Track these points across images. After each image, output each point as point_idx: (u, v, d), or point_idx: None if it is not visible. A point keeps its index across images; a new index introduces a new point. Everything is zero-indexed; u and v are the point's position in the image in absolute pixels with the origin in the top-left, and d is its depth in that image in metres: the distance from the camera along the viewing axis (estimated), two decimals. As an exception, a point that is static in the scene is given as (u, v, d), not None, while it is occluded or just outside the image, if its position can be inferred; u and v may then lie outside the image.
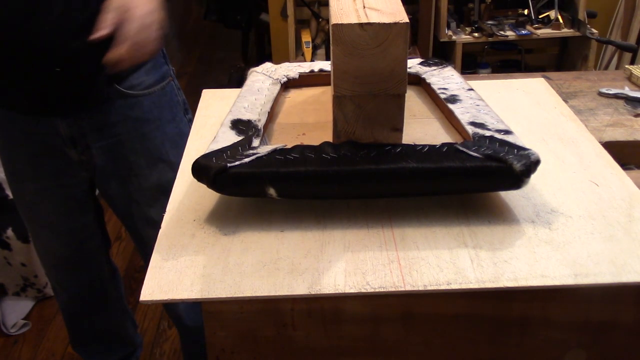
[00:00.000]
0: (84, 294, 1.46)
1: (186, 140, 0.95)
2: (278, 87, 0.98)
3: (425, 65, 1.04)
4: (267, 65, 1.04)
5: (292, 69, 1.04)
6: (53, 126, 1.16)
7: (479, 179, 0.72)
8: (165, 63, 1.24)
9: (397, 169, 0.71)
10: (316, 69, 1.04)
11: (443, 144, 0.74)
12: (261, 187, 0.72)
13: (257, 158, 0.73)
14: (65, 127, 1.16)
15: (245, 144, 0.77)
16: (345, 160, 0.72)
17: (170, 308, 1.48)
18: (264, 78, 0.99)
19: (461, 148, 0.73)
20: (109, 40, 1.08)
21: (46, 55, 1.04)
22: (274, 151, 0.74)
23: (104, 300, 1.50)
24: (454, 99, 0.90)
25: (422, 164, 0.71)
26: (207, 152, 0.75)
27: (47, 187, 1.25)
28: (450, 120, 0.90)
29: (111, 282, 1.50)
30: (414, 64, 1.04)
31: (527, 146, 0.74)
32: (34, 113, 1.15)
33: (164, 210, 0.79)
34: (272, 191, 0.72)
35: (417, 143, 0.75)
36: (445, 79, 0.98)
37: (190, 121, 1.22)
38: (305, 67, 1.05)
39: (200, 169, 0.73)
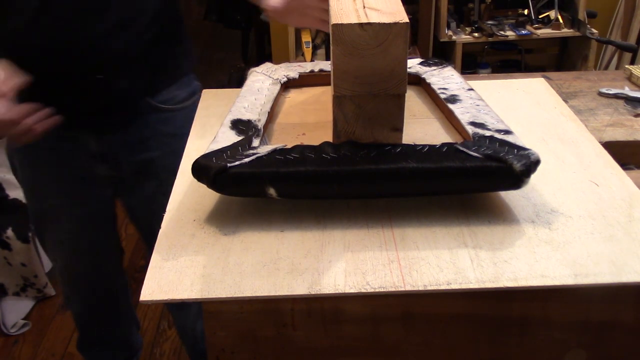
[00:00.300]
0: (96, 305, 1.46)
1: None
2: (278, 87, 0.98)
3: (425, 65, 1.04)
4: (267, 65, 1.04)
5: (292, 69, 1.04)
6: (82, 141, 1.15)
7: (479, 179, 0.72)
8: (195, 79, 1.24)
9: (397, 169, 0.71)
10: (316, 69, 1.04)
11: (443, 144, 0.74)
12: (261, 187, 0.72)
13: (257, 158, 0.73)
14: (96, 143, 1.15)
15: (245, 144, 0.77)
16: (345, 160, 0.72)
17: (185, 332, 1.48)
18: (264, 78, 0.99)
19: (461, 148, 0.73)
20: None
21: (92, 60, 1.03)
22: (274, 151, 0.74)
23: (116, 311, 1.51)
24: (454, 99, 0.90)
25: (422, 164, 0.71)
26: (207, 152, 0.75)
27: (70, 203, 1.24)
28: (450, 120, 0.90)
29: (123, 293, 1.50)
30: (414, 64, 1.04)
31: (527, 146, 0.74)
32: (64, 126, 1.13)
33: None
34: (272, 191, 0.72)
35: (417, 143, 0.75)
36: (445, 79, 0.98)
37: None
38: (305, 67, 1.05)
39: (200, 169, 0.73)
